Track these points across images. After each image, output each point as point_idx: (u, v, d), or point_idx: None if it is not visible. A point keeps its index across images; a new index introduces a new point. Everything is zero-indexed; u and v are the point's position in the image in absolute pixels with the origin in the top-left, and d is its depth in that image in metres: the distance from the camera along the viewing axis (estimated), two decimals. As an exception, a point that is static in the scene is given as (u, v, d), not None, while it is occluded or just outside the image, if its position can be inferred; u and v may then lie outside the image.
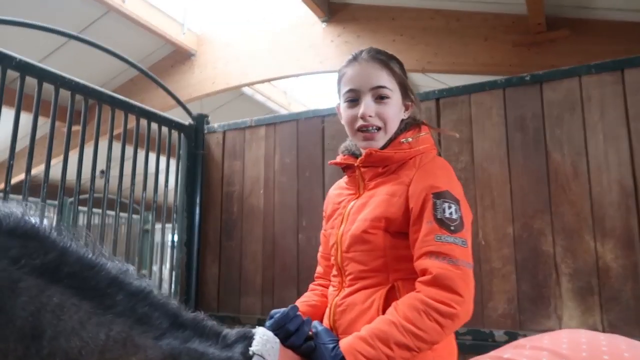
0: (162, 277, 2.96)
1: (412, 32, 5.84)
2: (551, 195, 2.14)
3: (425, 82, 7.14)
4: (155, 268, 3.17)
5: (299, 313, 1.11)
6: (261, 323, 2.69)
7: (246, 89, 8.56)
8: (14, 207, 0.94)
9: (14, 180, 2.13)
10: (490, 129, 2.29)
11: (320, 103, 9.89)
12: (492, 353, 1.33)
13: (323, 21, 6.48)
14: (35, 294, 0.88)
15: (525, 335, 2.06)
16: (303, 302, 1.39)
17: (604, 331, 1.98)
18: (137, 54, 6.94)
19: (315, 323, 1.14)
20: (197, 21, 7.58)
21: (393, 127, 1.32)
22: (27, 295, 0.87)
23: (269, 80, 7.59)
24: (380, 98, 1.29)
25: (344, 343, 1.07)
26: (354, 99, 1.31)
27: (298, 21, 6.77)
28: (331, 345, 1.07)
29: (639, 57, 2.04)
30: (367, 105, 1.28)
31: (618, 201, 2.01)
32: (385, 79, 1.30)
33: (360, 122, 1.29)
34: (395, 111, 1.31)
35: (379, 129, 1.29)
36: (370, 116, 1.28)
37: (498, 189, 2.24)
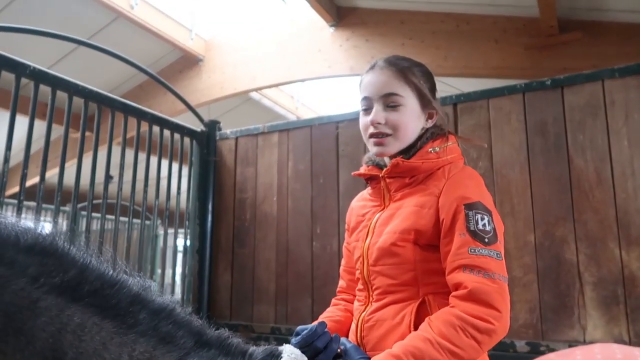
0: (174, 283, 2.93)
1: (421, 36, 5.79)
2: (574, 202, 2.09)
3: (437, 86, 7.09)
4: (168, 273, 3.15)
5: (327, 330, 1.07)
6: (274, 332, 2.65)
7: (254, 94, 8.55)
8: (32, 222, 0.91)
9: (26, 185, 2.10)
10: (509, 134, 2.25)
11: (328, 108, 9.86)
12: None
13: (331, 25, 6.45)
14: (56, 314, 0.84)
15: (547, 346, 2.02)
16: (327, 318, 1.35)
17: (630, 342, 1.92)
18: (145, 59, 6.94)
19: (343, 340, 1.10)
20: (205, 26, 7.58)
21: (406, 135, 1.28)
22: (47, 315, 0.84)
23: (277, 85, 7.57)
24: (390, 106, 1.27)
25: None
26: (367, 107, 1.30)
27: (306, 25, 6.74)
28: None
29: (665, 60, 1.99)
30: (377, 112, 1.26)
31: (644, 208, 1.95)
32: (396, 87, 1.27)
33: (370, 129, 1.28)
34: (408, 118, 1.27)
35: (388, 135, 1.26)
36: (379, 123, 1.26)
37: (518, 196, 2.19)
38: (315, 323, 1.08)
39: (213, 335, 0.98)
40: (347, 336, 1.27)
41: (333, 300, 1.44)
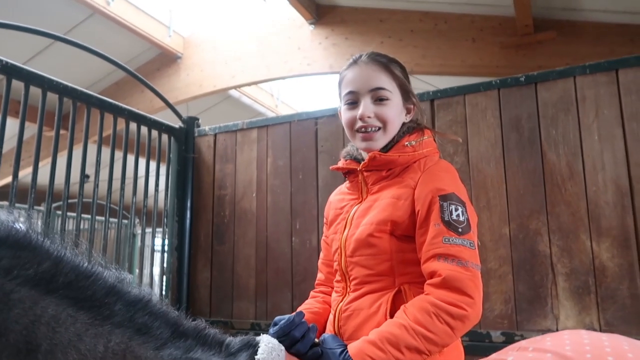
0: (152, 282, 2.90)
1: (400, 34, 5.85)
2: (547, 195, 2.14)
3: (414, 84, 7.16)
4: (145, 272, 3.12)
5: (304, 320, 1.08)
6: (255, 328, 2.65)
7: (233, 92, 8.51)
8: (4, 215, 0.90)
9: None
10: (485, 129, 2.29)
11: (308, 105, 9.87)
12: (494, 355, 1.31)
13: (311, 23, 6.46)
14: (29, 306, 0.84)
15: (522, 336, 2.06)
16: (305, 309, 1.36)
17: (600, 330, 1.98)
18: (122, 56, 6.85)
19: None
20: (183, 24, 7.51)
21: (393, 128, 1.30)
22: (20, 307, 0.83)
23: (256, 83, 7.56)
24: (379, 100, 1.28)
25: (353, 347, 1.05)
26: (353, 101, 1.30)
27: (286, 23, 6.74)
28: (339, 350, 1.05)
29: (633, 57, 2.05)
30: (366, 106, 1.27)
31: (614, 201, 2.01)
32: (384, 81, 1.29)
33: (359, 124, 1.28)
34: (395, 113, 1.30)
35: (377, 129, 1.27)
36: (368, 117, 1.27)
37: (494, 190, 2.24)
38: (293, 314, 1.08)
39: (190, 326, 0.99)
40: (324, 327, 1.28)
41: (311, 293, 1.46)
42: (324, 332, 1.30)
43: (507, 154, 2.23)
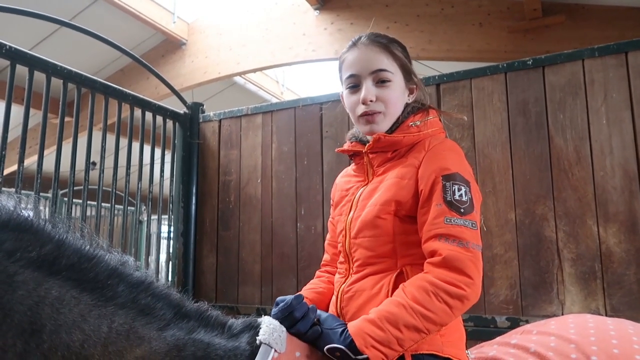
0: (159, 268, 2.92)
1: (406, 19, 5.78)
2: (553, 180, 2.12)
3: (420, 69, 7.10)
4: (151, 258, 3.14)
5: (304, 301, 1.08)
6: (260, 313, 2.67)
7: (238, 78, 8.48)
8: (6, 200, 0.90)
9: (5, 173, 2.07)
10: (491, 114, 2.26)
11: (313, 91, 9.82)
12: (499, 339, 1.32)
13: (316, 9, 6.40)
14: (33, 288, 0.84)
15: (527, 321, 2.06)
16: (310, 289, 1.36)
17: (606, 315, 1.97)
18: (127, 43, 6.82)
19: (320, 312, 1.12)
20: (187, 10, 7.47)
21: (396, 110, 1.29)
22: (24, 289, 0.83)
23: (261, 69, 7.51)
24: (381, 82, 1.26)
25: (353, 326, 1.06)
26: (355, 84, 1.29)
27: (291, 9, 6.68)
28: (340, 329, 1.06)
29: (643, 39, 2.01)
30: (368, 89, 1.26)
31: (621, 185, 1.99)
32: (385, 62, 1.27)
33: (361, 107, 1.27)
34: (397, 94, 1.28)
35: (380, 112, 1.26)
36: (371, 100, 1.25)
37: (500, 175, 2.22)
38: (292, 295, 1.09)
39: (192, 307, 0.99)
40: (328, 306, 1.29)
41: (317, 273, 1.46)
42: (327, 311, 1.30)
43: (514, 139, 2.21)
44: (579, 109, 2.10)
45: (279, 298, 1.11)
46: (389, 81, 1.26)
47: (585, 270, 2.03)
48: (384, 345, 1.02)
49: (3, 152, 1.99)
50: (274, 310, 1.08)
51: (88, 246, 0.93)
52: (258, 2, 6.99)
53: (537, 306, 2.09)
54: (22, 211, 0.91)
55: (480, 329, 2.12)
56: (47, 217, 0.93)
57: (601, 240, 2.01)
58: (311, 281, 1.42)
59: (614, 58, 2.05)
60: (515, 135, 2.21)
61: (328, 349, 1.03)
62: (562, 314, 2.01)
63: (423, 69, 6.67)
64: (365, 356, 1.01)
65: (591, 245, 2.02)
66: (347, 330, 1.05)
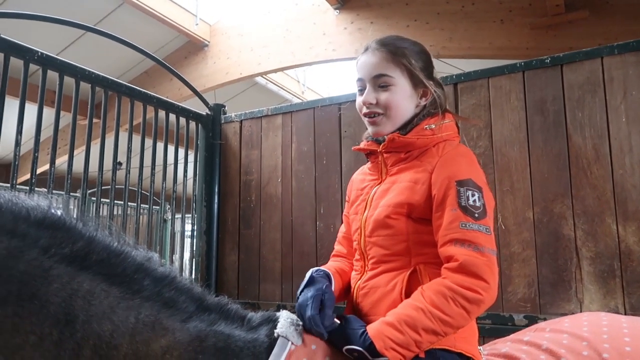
0: (182, 265, 3.01)
1: (426, 17, 5.77)
2: (572, 178, 2.11)
3: (440, 67, 7.06)
4: (175, 256, 3.22)
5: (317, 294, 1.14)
6: (281, 309, 2.73)
7: (259, 79, 8.57)
8: (40, 200, 0.97)
9: (25, 177, 2.16)
10: (509, 113, 2.27)
11: (334, 90, 9.85)
12: (512, 336, 1.34)
13: (336, 8, 6.43)
14: (67, 281, 0.91)
15: (545, 319, 2.06)
16: (333, 267, 1.42)
17: (625, 314, 1.96)
18: (151, 45, 6.98)
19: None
20: (209, 11, 7.58)
21: (398, 113, 1.32)
22: (59, 282, 0.90)
23: (282, 70, 7.59)
24: (381, 86, 1.32)
25: (372, 329, 1.10)
26: (361, 87, 1.36)
27: (311, 9, 6.73)
28: (360, 331, 1.10)
29: (663, 36, 1.99)
30: (367, 93, 1.32)
31: (641, 183, 1.98)
32: (386, 68, 1.31)
33: (364, 109, 1.34)
34: (399, 98, 1.31)
35: (381, 114, 1.31)
36: (370, 103, 1.31)
37: (517, 174, 2.22)
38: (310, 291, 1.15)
39: (213, 301, 1.05)
40: (346, 286, 1.33)
41: (332, 258, 1.51)
42: (343, 291, 1.36)
43: (532, 137, 2.21)
44: (598, 107, 2.10)
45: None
46: (390, 85, 1.31)
47: (604, 268, 2.02)
48: (402, 348, 1.07)
49: (36, 154, 2.09)
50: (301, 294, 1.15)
51: (116, 243, 1.00)
52: (278, 3, 7.07)
53: (555, 304, 2.09)
54: (56, 210, 0.97)
55: (498, 327, 2.13)
56: (78, 215, 1.00)
57: (620, 239, 2.00)
58: (333, 261, 1.48)
59: (634, 55, 2.04)
60: (533, 133, 2.21)
61: (347, 350, 1.08)
62: (581, 312, 2.01)
63: (443, 66, 6.65)
64: (384, 358, 1.06)
65: (610, 244, 2.02)
66: (367, 333, 1.09)
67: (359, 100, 1.35)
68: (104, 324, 0.91)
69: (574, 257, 2.08)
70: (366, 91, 1.32)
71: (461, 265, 1.11)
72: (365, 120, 1.35)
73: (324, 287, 1.19)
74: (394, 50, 1.32)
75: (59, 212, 0.98)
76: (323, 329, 1.09)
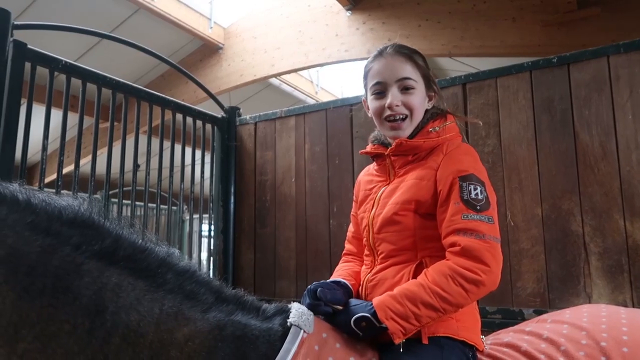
0: (200, 263, 3.10)
1: (438, 17, 5.80)
2: (579, 175, 2.15)
3: (452, 66, 7.09)
4: (194, 255, 3.32)
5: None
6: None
7: (273, 80, 8.67)
8: (72, 200, 1.05)
9: (52, 177, 2.26)
10: (517, 112, 2.31)
11: (347, 90, 9.91)
12: (515, 327, 1.40)
13: (348, 9, 6.49)
14: (97, 275, 0.99)
15: (555, 314, 2.10)
16: (347, 269, 1.49)
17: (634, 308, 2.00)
18: (166, 49, 7.11)
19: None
20: (223, 15, 7.70)
21: (418, 116, 1.39)
22: (90, 276, 0.98)
23: (295, 71, 7.67)
24: (405, 89, 1.37)
25: (377, 300, 1.19)
26: (380, 91, 1.39)
27: (323, 10, 6.80)
28: (365, 303, 1.20)
29: (667, 34, 2.02)
30: (394, 95, 1.36)
31: (647, 180, 2.01)
32: (409, 71, 1.38)
33: (387, 112, 1.37)
34: (420, 101, 1.39)
35: (405, 117, 1.36)
36: (397, 105, 1.36)
37: (526, 171, 2.27)
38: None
39: (230, 293, 1.13)
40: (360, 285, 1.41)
41: (344, 258, 1.57)
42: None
43: (539, 136, 2.26)
44: (605, 105, 2.13)
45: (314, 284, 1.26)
46: (413, 88, 1.37)
47: (612, 263, 2.06)
48: (402, 319, 1.14)
49: (61, 158, 2.20)
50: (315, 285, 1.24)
51: (140, 240, 1.08)
52: (291, 4, 7.15)
53: (564, 299, 2.13)
54: (86, 209, 1.05)
55: (508, 321, 2.17)
56: (105, 214, 1.08)
57: (628, 234, 2.03)
58: (343, 265, 1.55)
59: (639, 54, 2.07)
60: (541, 132, 2.25)
61: (355, 319, 1.16)
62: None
63: (455, 64, 6.66)
64: (385, 326, 1.13)
65: (618, 239, 2.05)
66: (371, 303, 1.18)
67: (380, 103, 1.37)
68: (131, 315, 0.98)
69: (582, 253, 2.12)
70: (391, 94, 1.36)
71: (463, 249, 1.18)
72: (386, 124, 1.38)
73: (322, 282, 1.28)
74: (411, 55, 1.39)
75: (88, 211, 1.06)
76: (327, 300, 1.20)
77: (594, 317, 1.27)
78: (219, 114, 3.23)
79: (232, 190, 3.15)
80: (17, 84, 2.02)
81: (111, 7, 6.51)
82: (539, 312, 2.15)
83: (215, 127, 3.17)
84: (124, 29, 6.77)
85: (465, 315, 1.24)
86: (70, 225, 1.01)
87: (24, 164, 2.08)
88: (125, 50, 4.17)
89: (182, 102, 2.94)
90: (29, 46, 2.10)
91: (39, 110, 2.16)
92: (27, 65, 2.10)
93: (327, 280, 1.35)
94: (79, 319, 0.95)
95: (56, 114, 2.34)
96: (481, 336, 1.28)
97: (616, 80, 2.12)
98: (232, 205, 3.13)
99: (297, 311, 1.11)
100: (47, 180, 2.29)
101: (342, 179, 2.79)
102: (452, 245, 1.21)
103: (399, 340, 1.14)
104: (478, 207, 1.22)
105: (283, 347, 1.04)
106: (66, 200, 1.06)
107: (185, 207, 6.21)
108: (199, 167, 3.03)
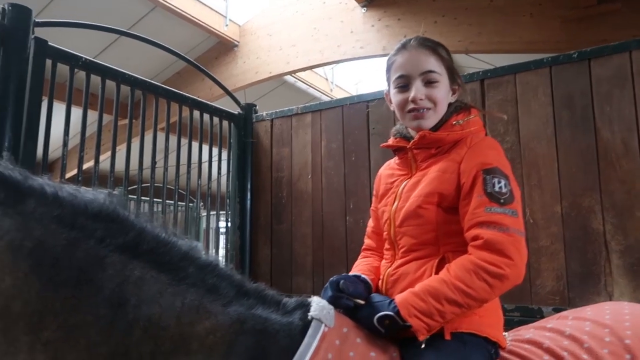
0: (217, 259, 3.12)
1: (454, 13, 5.74)
2: (600, 173, 2.12)
3: (469, 62, 7.01)
4: (211, 251, 3.34)
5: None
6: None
7: (288, 77, 8.68)
8: (97, 194, 1.07)
9: (72, 173, 2.29)
10: (536, 108, 2.29)
11: (362, 87, 9.89)
12: (536, 323, 1.38)
13: (363, 6, 6.47)
14: (120, 268, 1.01)
15: (574, 313, 2.08)
16: (367, 264, 1.49)
17: (657, 308, 1.96)
18: (182, 47, 7.15)
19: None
20: (238, 12, 7.73)
21: (442, 108, 1.38)
22: (113, 269, 1.00)
23: (310, 68, 7.67)
24: (429, 82, 1.36)
25: (399, 297, 1.18)
26: (404, 84, 1.38)
27: (338, 7, 6.79)
28: (388, 301, 1.19)
29: (692, 28, 1.98)
30: (418, 89, 1.35)
31: (671, 177, 1.97)
32: (433, 64, 1.36)
33: (410, 106, 1.36)
34: (444, 94, 1.37)
35: (428, 109, 1.35)
36: (420, 99, 1.35)
37: (545, 168, 2.24)
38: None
39: (251, 287, 1.13)
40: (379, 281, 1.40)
41: (363, 253, 1.57)
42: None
43: (559, 132, 2.23)
44: (627, 100, 2.10)
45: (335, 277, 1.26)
46: (437, 82, 1.36)
47: (634, 262, 2.02)
48: (425, 316, 1.13)
49: (81, 154, 2.23)
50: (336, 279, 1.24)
51: (163, 234, 1.09)
52: (306, 2, 7.14)
53: (584, 297, 2.10)
54: (110, 204, 1.07)
55: (527, 319, 2.15)
56: (129, 208, 1.10)
57: (650, 232, 2.00)
58: (363, 260, 1.53)
59: (663, 48, 2.03)
60: (561, 128, 2.22)
61: (378, 317, 1.15)
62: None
63: (472, 61, 6.60)
64: (409, 324, 1.12)
65: (640, 237, 2.02)
66: (394, 301, 1.17)
67: (403, 96, 1.36)
68: (153, 307, 0.99)
69: (603, 251, 2.09)
70: (415, 87, 1.34)
71: (486, 243, 1.16)
72: (409, 115, 1.36)
73: (343, 275, 1.27)
74: (436, 48, 1.38)
75: (113, 205, 1.07)
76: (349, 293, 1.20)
77: (616, 314, 1.25)
78: (235, 110, 3.24)
79: (249, 186, 3.16)
80: (38, 81, 2.06)
81: (128, 4, 6.58)
82: (558, 310, 2.12)
83: (232, 124, 3.18)
84: (140, 27, 6.83)
85: (488, 311, 1.22)
86: (95, 218, 1.03)
87: (45, 159, 2.11)
88: (142, 48, 4.22)
89: (199, 99, 2.96)
90: (49, 43, 2.13)
91: (58, 108, 2.19)
92: (48, 62, 2.13)
93: (348, 274, 1.35)
94: (101, 311, 0.96)
95: (75, 111, 2.37)
96: (503, 333, 1.27)
97: (638, 75, 2.08)
98: (248, 202, 3.15)
99: (318, 305, 1.11)
100: (67, 175, 2.33)
101: (358, 176, 2.78)
102: (475, 238, 1.19)
103: (423, 337, 1.13)
104: (502, 200, 1.20)
105: (304, 341, 1.04)
106: (92, 193, 1.07)
107: (202, 203, 6.26)
108: (215, 164, 3.04)
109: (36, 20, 2.12)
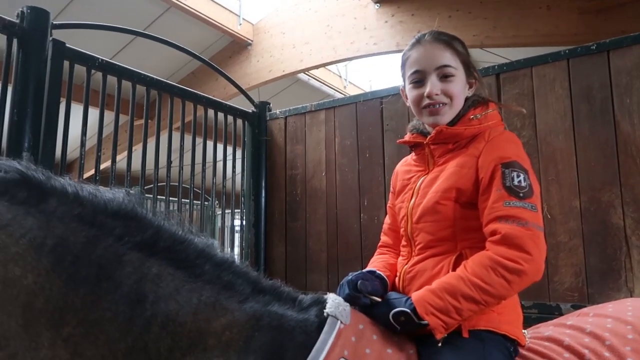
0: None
1: (468, 7, 5.68)
2: (620, 166, 2.08)
3: (484, 57, 6.93)
4: (226, 249, 3.36)
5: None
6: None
7: (302, 75, 8.68)
8: (116, 193, 1.08)
9: (90, 173, 2.32)
10: (554, 101, 2.25)
11: (376, 84, 9.85)
12: (555, 321, 1.36)
13: (376, 2, 6.43)
14: (138, 266, 1.02)
15: (594, 309, 2.05)
16: (383, 261, 1.47)
17: (680, 304, 1.92)
18: (197, 47, 7.20)
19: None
20: (252, 11, 7.75)
21: (458, 103, 1.36)
22: (131, 266, 1.01)
23: (324, 65, 7.65)
24: (445, 77, 1.34)
25: (416, 295, 1.17)
26: (419, 79, 1.36)
27: (351, 4, 6.76)
28: (404, 298, 1.18)
29: None
30: (433, 84, 1.33)
31: (694, 170, 1.93)
32: (449, 58, 1.35)
33: (426, 101, 1.34)
34: (460, 88, 1.36)
35: (444, 105, 1.34)
36: (436, 94, 1.33)
37: (563, 162, 2.21)
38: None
39: (267, 284, 1.14)
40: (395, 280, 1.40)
41: (379, 250, 1.55)
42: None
43: (577, 126, 2.19)
44: (647, 92, 2.05)
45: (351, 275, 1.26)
46: (452, 76, 1.34)
47: (655, 257, 1.99)
48: (442, 313, 1.11)
49: (99, 154, 2.26)
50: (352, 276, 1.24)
51: (180, 231, 1.10)
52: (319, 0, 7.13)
53: (604, 294, 2.07)
54: (129, 202, 1.08)
55: (545, 316, 2.13)
56: (147, 206, 1.11)
57: (672, 227, 1.96)
58: (379, 256, 1.52)
59: (685, 38, 1.99)
60: (579, 122, 2.19)
61: (394, 314, 1.14)
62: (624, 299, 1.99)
63: (487, 55, 6.52)
64: (426, 322, 1.11)
65: (662, 232, 1.98)
66: (411, 298, 1.16)
67: (419, 92, 1.35)
68: (170, 304, 1.00)
69: (623, 246, 2.05)
70: (430, 82, 1.33)
71: (503, 237, 1.14)
72: (425, 111, 1.35)
73: (360, 274, 1.27)
74: (451, 42, 1.36)
75: (131, 203, 1.08)
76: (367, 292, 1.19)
77: (639, 311, 1.22)
78: (249, 109, 3.25)
79: (263, 184, 3.17)
80: (56, 82, 2.09)
81: (143, 6, 6.64)
82: (577, 307, 2.09)
83: (246, 122, 3.20)
84: (155, 27, 6.89)
85: (506, 308, 1.21)
86: (114, 217, 1.04)
87: (64, 159, 2.15)
88: (156, 49, 4.25)
89: (214, 98, 2.97)
90: (67, 45, 2.16)
91: (76, 109, 2.22)
92: (65, 64, 2.16)
93: (363, 270, 1.34)
94: (120, 307, 0.97)
95: (92, 112, 2.40)
96: (523, 330, 1.25)
97: (659, 67, 2.04)
98: (263, 199, 3.16)
99: (334, 302, 1.11)
100: (85, 175, 2.36)
101: (372, 173, 2.77)
102: (493, 233, 1.17)
103: (440, 335, 1.11)
104: (521, 194, 1.18)
105: (320, 337, 1.04)
106: (111, 193, 1.09)
107: (217, 202, 6.31)
108: (230, 162, 3.06)
109: (54, 22, 2.15)
